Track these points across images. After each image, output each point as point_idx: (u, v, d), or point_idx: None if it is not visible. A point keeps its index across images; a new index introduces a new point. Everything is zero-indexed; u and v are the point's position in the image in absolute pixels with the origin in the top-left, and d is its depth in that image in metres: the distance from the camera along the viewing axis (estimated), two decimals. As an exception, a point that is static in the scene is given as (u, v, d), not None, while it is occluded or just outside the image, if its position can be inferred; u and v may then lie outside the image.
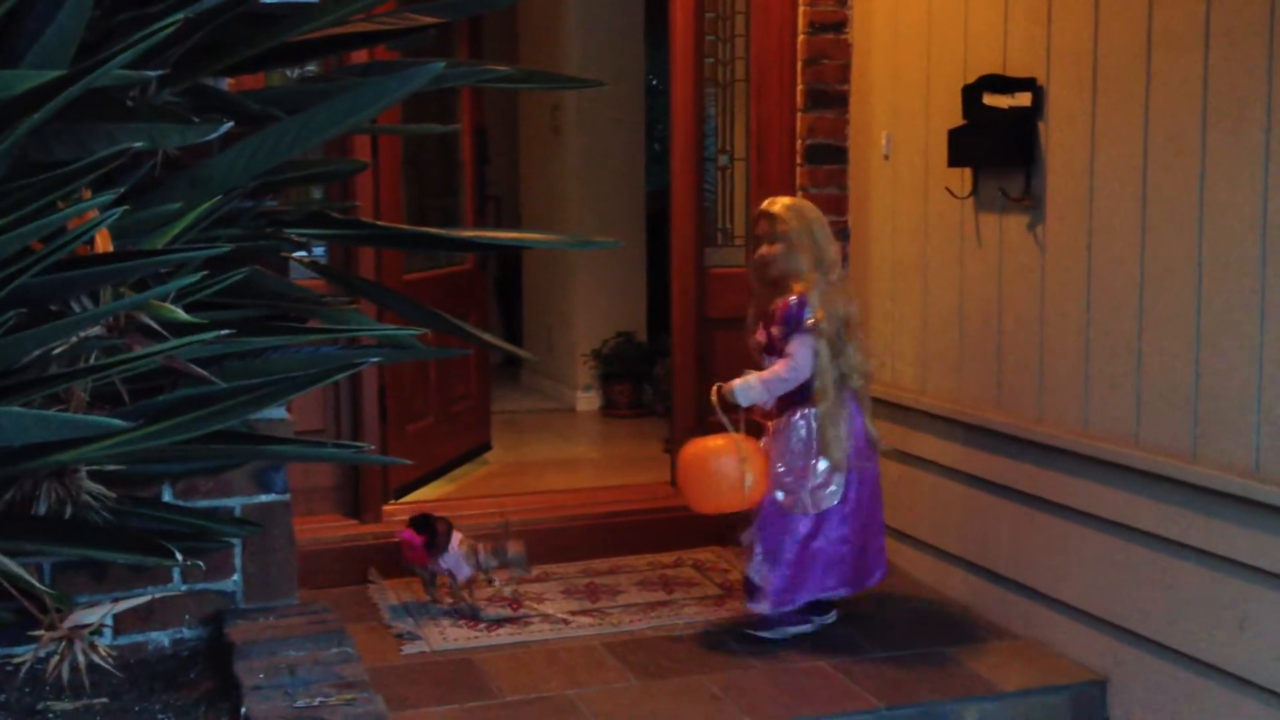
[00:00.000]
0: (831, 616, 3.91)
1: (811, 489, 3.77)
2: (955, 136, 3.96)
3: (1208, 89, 3.10)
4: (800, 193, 4.68)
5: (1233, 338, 3.06)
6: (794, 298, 3.72)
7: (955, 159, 3.98)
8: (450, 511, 4.64)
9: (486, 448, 5.88)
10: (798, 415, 3.80)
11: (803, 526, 3.79)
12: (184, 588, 2.70)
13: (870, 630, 3.90)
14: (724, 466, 3.77)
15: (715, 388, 3.83)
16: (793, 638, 3.81)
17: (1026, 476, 3.79)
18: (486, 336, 2.60)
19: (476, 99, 5.71)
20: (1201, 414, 3.16)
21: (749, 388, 3.75)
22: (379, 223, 2.97)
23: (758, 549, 3.83)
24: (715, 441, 3.83)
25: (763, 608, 3.82)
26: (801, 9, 4.69)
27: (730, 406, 3.77)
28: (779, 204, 3.85)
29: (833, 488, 3.78)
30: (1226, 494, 3.05)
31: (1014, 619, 3.90)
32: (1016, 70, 3.77)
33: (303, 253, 3.09)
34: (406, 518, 4.18)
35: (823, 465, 3.76)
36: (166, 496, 2.65)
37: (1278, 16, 2.88)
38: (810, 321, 3.69)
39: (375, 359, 2.23)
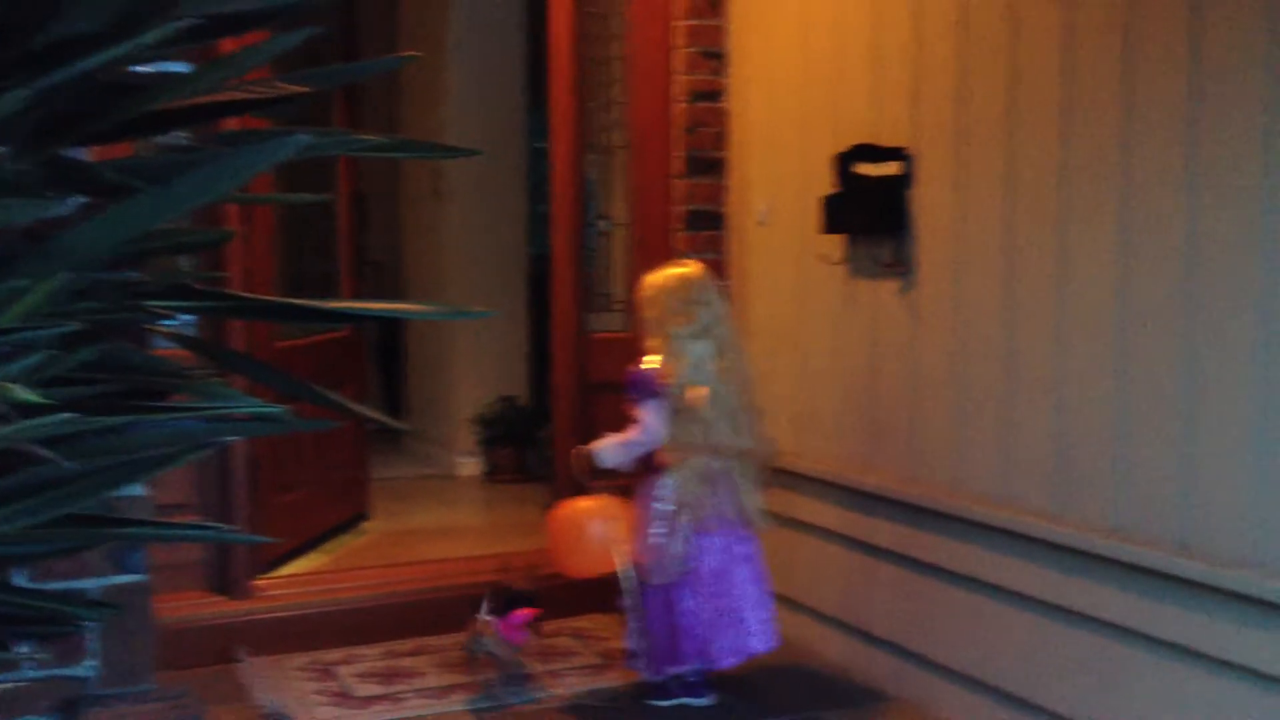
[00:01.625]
0: (710, 699, 3.81)
1: (656, 558, 3.74)
2: (829, 204, 4.03)
3: (1067, 161, 3.19)
4: (683, 258, 4.70)
5: (1091, 400, 3.14)
6: (643, 364, 3.75)
7: (829, 226, 4.05)
8: (325, 585, 4.54)
9: (365, 517, 5.78)
10: (655, 481, 3.78)
11: (662, 594, 3.75)
12: (38, 674, 2.59)
13: (750, 696, 3.89)
14: (590, 529, 3.82)
15: (574, 451, 3.88)
16: (684, 707, 3.76)
17: (901, 538, 3.83)
18: (359, 408, 2.56)
19: (354, 165, 5.67)
20: (1065, 474, 3.23)
21: (606, 450, 3.80)
22: (243, 294, 2.91)
23: (631, 616, 3.82)
24: (584, 504, 3.89)
25: (644, 674, 3.80)
26: (679, 77, 4.75)
27: (593, 470, 3.80)
28: (654, 276, 3.86)
29: (680, 557, 3.71)
30: (1090, 553, 3.11)
31: (891, 681, 3.92)
32: (887, 140, 3.85)
33: (172, 323, 3.01)
34: (280, 593, 4.08)
35: (668, 533, 3.71)
36: (18, 580, 2.54)
37: (1132, 92, 2.99)
38: (656, 386, 3.69)
39: (238, 435, 2.16)
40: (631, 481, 3.91)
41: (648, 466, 3.81)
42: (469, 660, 4.00)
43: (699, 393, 3.68)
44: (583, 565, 3.92)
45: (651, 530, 3.75)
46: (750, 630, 3.76)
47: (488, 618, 3.93)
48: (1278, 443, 2.68)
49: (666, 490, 3.73)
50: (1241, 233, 2.73)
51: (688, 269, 3.86)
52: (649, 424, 3.73)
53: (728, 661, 3.76)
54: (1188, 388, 2.88)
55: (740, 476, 3.78)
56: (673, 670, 3.78)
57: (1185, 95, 2.84)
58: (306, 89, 2.41)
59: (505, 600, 3.98)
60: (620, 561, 3.78)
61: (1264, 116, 2.67)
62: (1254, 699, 2.74)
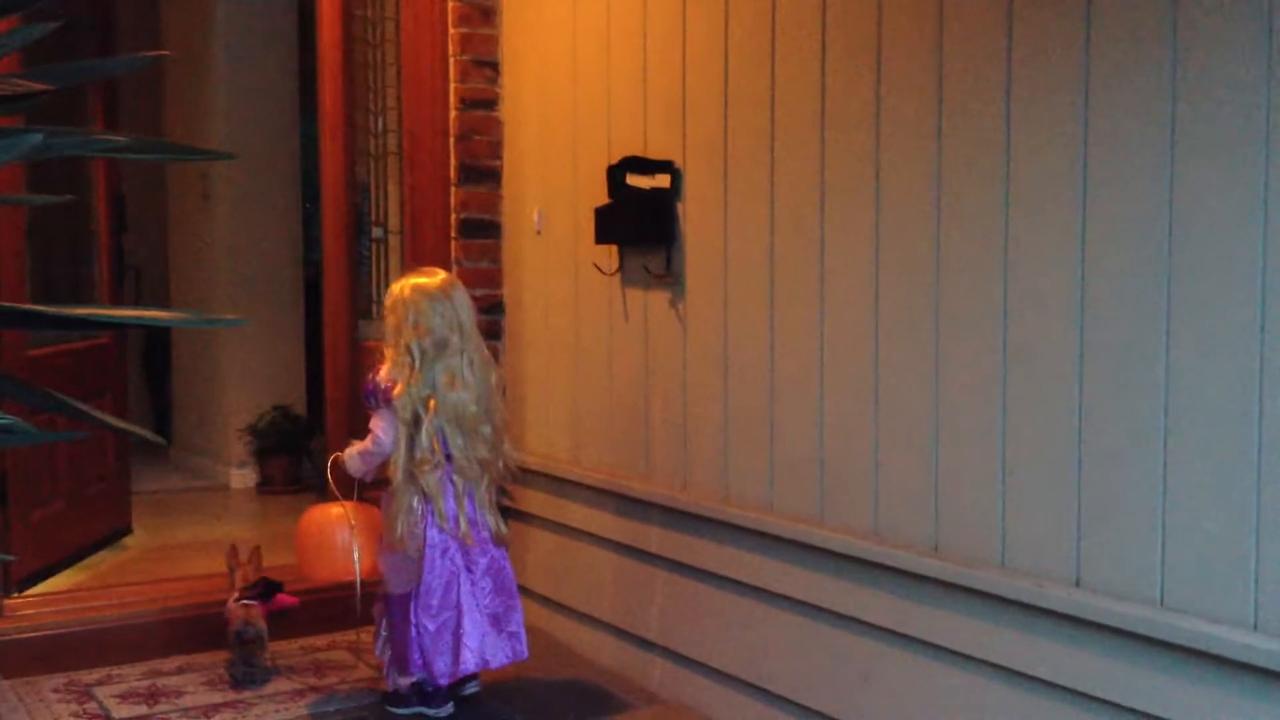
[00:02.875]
0: (447, 710, 3.79)
1: (387, 568, 3.78)
2: (601, 214, 4.07)
3: (824, 174, 3.31)
4: (455, 266, 4.68)
5: (851, 405, 3.26)
6: (377, 374, 3.75)
7: (601, 236, 4.09)
8: (81, 602, 4.37)
9: (127, 531, 5.55)
10: (388, 490, 3.77)
11: (395, 604, 3.76)
12: None
13: (519, 704, 3.89)
14: (334, 536, 3.86)
15: (332, 458, 3.89)
16: (420, 715, 3.77)
17: (673, 544, 3.90)
18: (111, 419, 2.45)
19: (113, 166, 5.44)
20: (826, 480, 3.35)
21: (350, 459, 3.84)
22: (-14, 299, 2.77)
23: (378, 624, 3.88)
24: (332, 510, 3.92)
25: (390, 684, 3.83)
26: (453, 85, 4.72)
27: (345, 478, 3.85)
28: (396, 284, 3.82)
29: (402, 569, 3.72)
30: (850, 556, 3.23)
31: (663, 685, 3.99)
32: (657, 153, 3.92)
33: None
34: (32, 612, 3.89)
35: (399, 544, 3.71)
36: None
37: (881, 112, 3.12)
38: (389, 397, 3.69)
39: (-28, 447, 2.06)
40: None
41: (388, 476, 3.79)
42: (238, 647, 4.00)
43: (427, 402, 3.66)
44: (324, 571, 3.94)
45: (385, 540, 3.77)
46: (473, 646, 3.69)
47: (250, 601, 4.02)
48: (1015, 448, 2.83)
49: (396, 501, 3.71)
50: (979, 249, 2.88)
51: (428, 279, 3.77)
52: (379, 433, 3.74)
53: (445, 679, 3.71)
54: (935, 397, 3.02)
55: (478, 488, 3.75)
56: (404, 680, 3.77)
57: (932, 114, 2.99)
58: (46, 86, 2.32)
59: (264, 587, 4.09)
60: (357, 570, 3.82)
61: (1002, 137, 2.82)
62: (1002, 694, 2.88)
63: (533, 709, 3.86)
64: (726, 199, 3.67)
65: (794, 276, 3.43)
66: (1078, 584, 2.69)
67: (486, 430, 3.73)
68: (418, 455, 3.67)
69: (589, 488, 4.29)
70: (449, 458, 3.69)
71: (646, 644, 4.07)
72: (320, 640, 4.48)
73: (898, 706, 3.15)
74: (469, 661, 3.69)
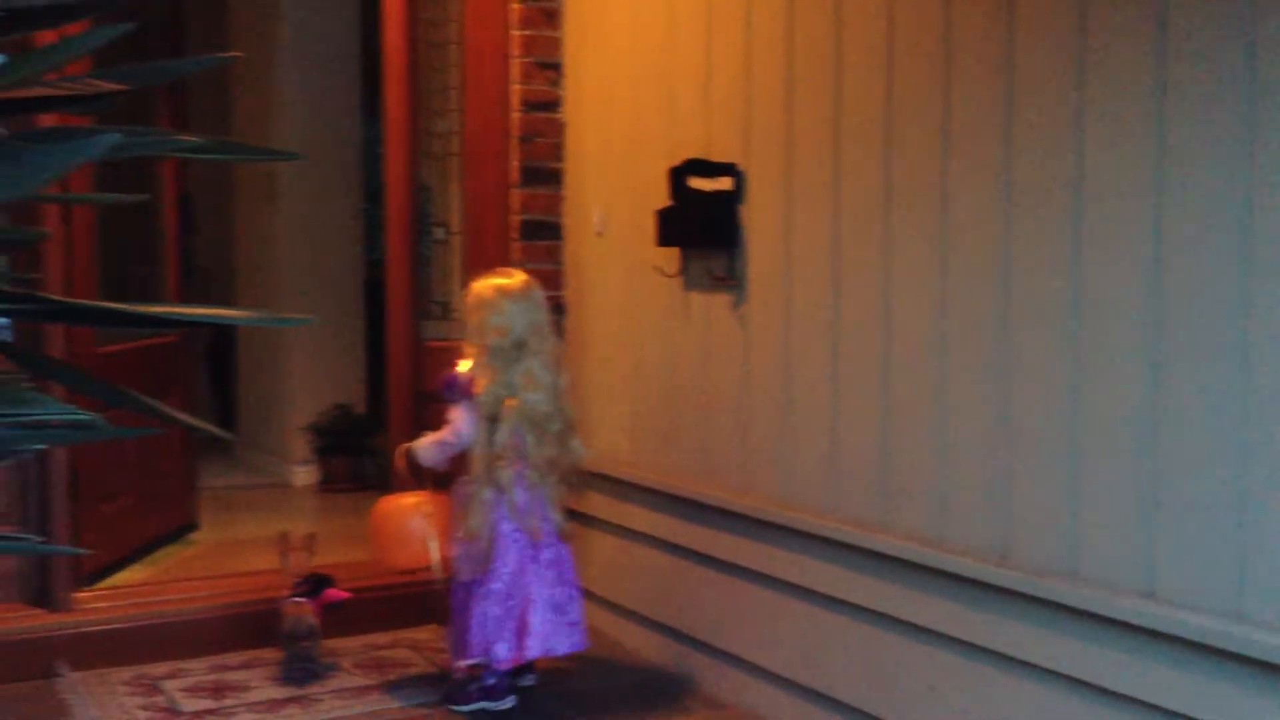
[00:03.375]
0: (509, 703, 3.84)
1: (461, 555, 3.86)
2: (663, 217, 4.07)
3: (890, 178, 3.29)
4: (510, 268, 4.69)
5: (916, 409, 3.23)
6: (456, 369, 3.87)
7: (664, 239, 4.09)
8: (149, 597, 4.43)
9: (193, 527, 5.62)
10: (464, 481, 3.89)
11: (465, 589, 3.85)
12: None
13: (578, 703, 3.91)
14: (409, 524, 3.98)
15: (402, 448, 4.00)
16: (483, 711, 3.82)
17: (733, 548, 3.89)
18: (181, 415, 2.48)
19: (181, 167, 5.52)
20: (890, 486, 3.32)
21: (424, 449, 3.94)
22: (60, 298, 2.81)
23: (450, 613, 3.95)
24: (406, 500, 4.04)
25: (457, 668, 3.91)
26: (516, 87, 4.74)
27: (418, 467, 3.95)
28: (477, 284, 3.93)
29: (475, 557, 3.82)
30: (914, 563, 3.20)
31: (723, 688, 3.98)
32: (720, 155, 3.91)
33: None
34: (103, 605, 3.95)
35: (472, 532, 3.81)
36: None
37: (949, 110, 3.09)
38: (470, 392, 3.81)
39: (50, 443, 2.09)
40: (452, 481, 4.00)
41: (463, 467, 3.90)
42: (290, 644, 4.06)
43: (508, 402, 3.78)
44: (400, 558, 4.07)
45: (459, 528, 3.85)
46: (538, 633, 3.79)
47: (300, 599, 4.06)
48: (1086, 456, 2.79)
49: (473, 492, 3.82)
50: (1050, 250, 2.85)
51: (508, 280, 3.91)
52: (459, 425, 3.86)
53: (507, 663, 3.80)
54: (1003, 401, 2.98)
55: (546, 484, 3.85)
56: (463, 663, 3.85)
57: (1001, 109, 2.95)
58: (122, 86, 2.35)
59: (314, 583, 4.13)
60: (433, 557, 3.92)
61: (1074, 131, 2.78)
62: (1071, 706, 2.84)
63: (591, 709, 3.87)
64: (790, 202, 3.65)
65: (859, 279, 3.41)
66: (1151, 595, 2.65)
67: (556, 429, 3.85)
68: (495, 450, 3.78)
69: (649, 490, 4.28)
70: (524, 455, 3.80)
71: (705, 647, 4.06)
72: (382, 638, 4.52)
73: (963, 717, 3.12)
74: (533, 648, 3.78)
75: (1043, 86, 2.85)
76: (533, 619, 3.78)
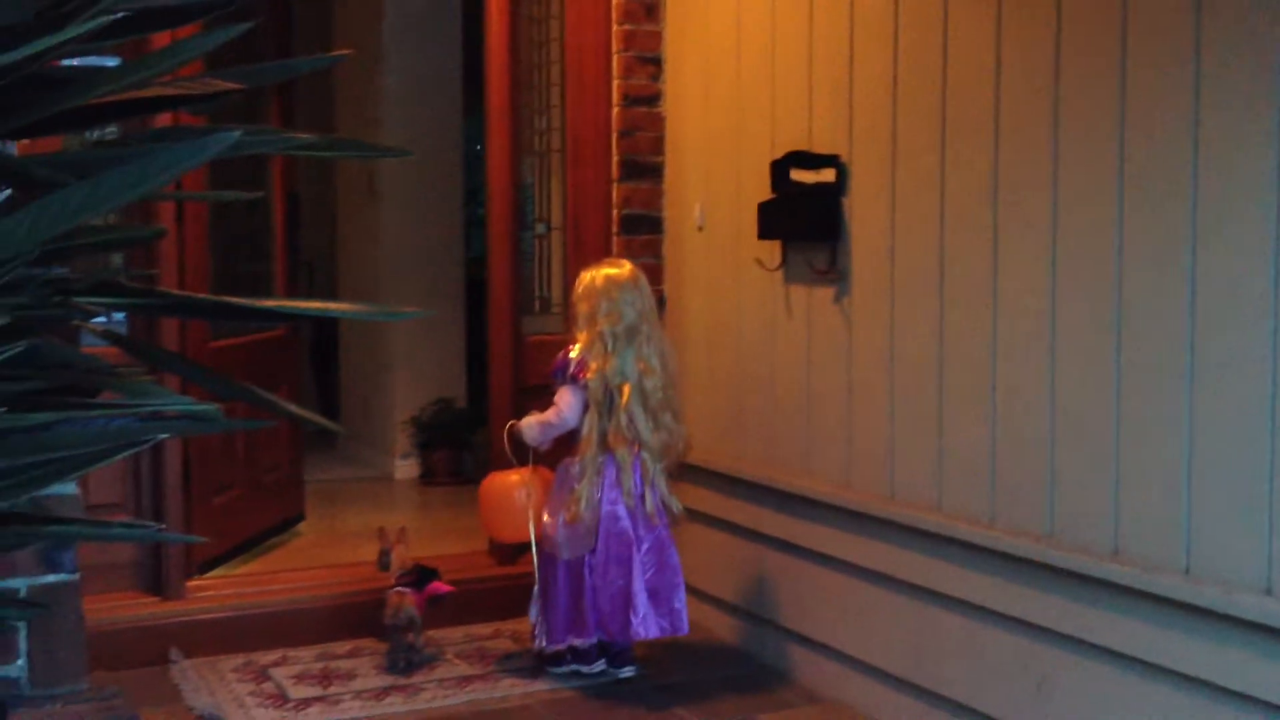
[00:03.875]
0: (628, 671, 4.01)
1: (564, 535, 3.96)
2: (764, 210, 4.06)
3: (998, 170, 3.24)
4: (618, 259, 4.70)
5: (1026, 403, 3.18)
6: (568, 353, 4.01)
7: (765, 232, 4.07)
8: (258, 586, 4.51)
9: (300, 519, 5.73)
10: (567, 462, 4.04)
11: (561, 569, 3.98)
12: (-36, 675, 2.55)
13: (680, 697, 3.92)
14: (512, 499, 4.11)
15: (509, 425, 4.13)
16: (575, 673, 4.00)
17: (836, 543, 3.86)
18: (292, 408, 2.53)
19: (288, 164, 5.62)
20: (998, 481, 3.27)
21: (529, 427, 4.05)
22: (174, 291, 2.88)
23: (536, 586, 4.06)
24: (511, 476, 4.16)
25: (538, 644, 4.05)
26: (616, 82, 4.76)
27: (520, 445, 4.07)
28: (587, 273, 4.05)
29: (579, 537, 3.93)
30: (1024, 559, 3.15)
31: (825, 683, 3.95)
32: (822, 147, 3.89)
33: (102, 320, 2.97)
34: (214, 594, 4.04)
35: (578, 513, 3.92)
36: (-55, 579, 2.50)
37: (1060, 100, 3.04)
38: (577, 374, 3.94)
39: (168, 434, 2.14)
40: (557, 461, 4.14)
41: (569, 449, 4.02)
42: (392, 633, 4.12)
43: (621, 387, 3.91)
44: (505, 531, 4.23)
45: (564, 509, 3.96)
46: (644, 615, 3.91)
47: (404, 589, 4.13)
48: (1202, 450, 2.73)
49: (580, 474, 3.94)
50: (1165, 244, 2.79)
51: (619, 269, 4.05)
52: (564, 407, 3.99)
53: (623, 640, 3.96)
54: (1116, 395, 2.93)
55: (654, 468, 3.96)
56: (576, 641, 3.97)
57: (1115, 98, 2.89)
58: (238, 85, 2.40)
59: (419, 575, 4.22)
60: (533, 532, 4.03)
61: (1191, 123, 2.72)
62: (1186, 704, 2.78)
63: (693, 702, 3.87)
64: (894, 193, 3.61)
65: (965, 272, 3.37)
66: (1269, 592, 2.58)
67: (666, 416, 3.98)
68: (610, 433, 3.89)
69: (750, 484, 4.27)
70: (638, 438, 3.91)
71: (807, 641, 4.04)
72: (484, 629, 4.56)
73: (1074, 714, 3.07)
74: (637, 629, 3.90)
75: (1160, 75, 2.79)
76: (635, 602, 3.89)
